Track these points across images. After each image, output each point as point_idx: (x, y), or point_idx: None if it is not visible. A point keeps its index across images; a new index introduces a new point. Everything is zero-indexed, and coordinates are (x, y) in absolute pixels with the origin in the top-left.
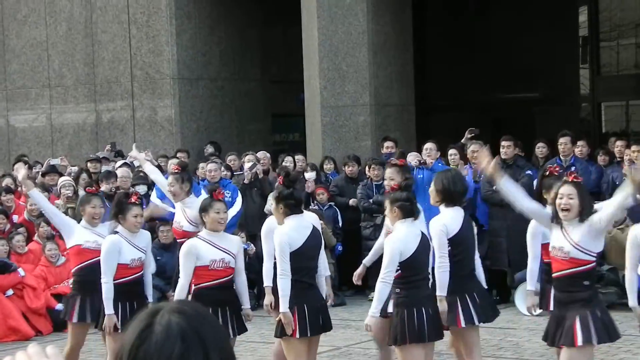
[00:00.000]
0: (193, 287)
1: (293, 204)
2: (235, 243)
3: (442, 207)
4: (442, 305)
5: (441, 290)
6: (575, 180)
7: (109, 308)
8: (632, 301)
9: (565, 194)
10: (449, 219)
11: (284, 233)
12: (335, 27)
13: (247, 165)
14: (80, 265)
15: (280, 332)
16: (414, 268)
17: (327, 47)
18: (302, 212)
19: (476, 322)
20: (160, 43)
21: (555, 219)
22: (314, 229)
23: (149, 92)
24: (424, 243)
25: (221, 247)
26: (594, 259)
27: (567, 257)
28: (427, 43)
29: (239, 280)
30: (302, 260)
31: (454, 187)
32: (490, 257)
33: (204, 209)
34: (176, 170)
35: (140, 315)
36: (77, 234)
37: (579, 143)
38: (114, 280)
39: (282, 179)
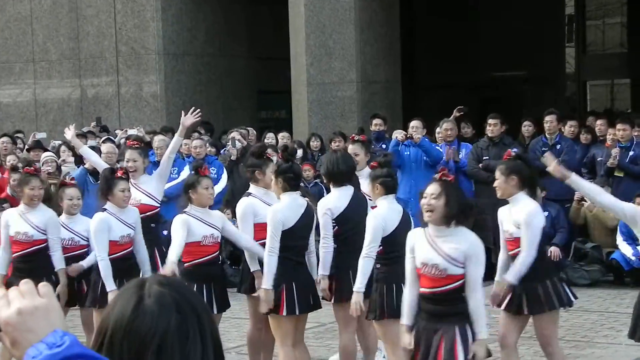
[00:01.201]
0: (183, 265)
1: (292, 177)
2: (219, 217)
3: (331, 187)
4: (323, 283)
5: (323, 270)
6: (443, 178)
7: (109, 285)
8: (498, 276)
9: (429, 193)
10: (334, 199)
11: (278, 210)
12: (322, 3)
13: (230, 143)
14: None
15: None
16: (395, 244)
17: (313, 24)
18: (299, 188)
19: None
20: (146, 18)
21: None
22: (308, 206)
23: (134, 68)
24: (406, 219)
25: (209, 223)
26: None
27: (444, 275)
28: (415, 22)
29: (243, 243)
30: (293, 239)
31: (338, 168)
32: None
33: (191, 186)
34: (137, 145)
35: (124, 289)
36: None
37: (570, 123)
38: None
39: (281, 153)
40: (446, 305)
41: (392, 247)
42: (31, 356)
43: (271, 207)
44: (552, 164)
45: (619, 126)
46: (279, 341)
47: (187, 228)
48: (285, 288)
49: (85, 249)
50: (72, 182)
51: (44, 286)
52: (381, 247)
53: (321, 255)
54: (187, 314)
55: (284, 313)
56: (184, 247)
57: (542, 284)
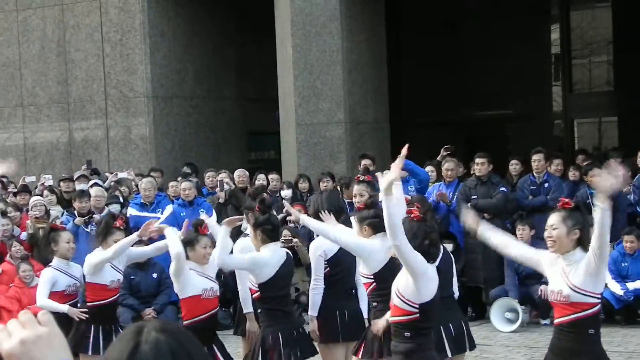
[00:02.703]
0: (183, 323)
1: (270, 229)
2: (213, 267)
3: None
4: (312, 324)
5: (313, 311)
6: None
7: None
8: None
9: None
10: (327, 242)
11: (260, 264)
12: (310, 45)
13: (218, 185)
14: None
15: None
16: (387, 280)
17: (301, 65)
18: (278, 238)
19: (340, 340)
20: (134, 61)
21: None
22: (288, 256)
23: (123, 111)
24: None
25: (208, 276)
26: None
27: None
28: (401, 61)
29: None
30: (275, 289)
31: (322, 209)
32: (465, 274)
33: (189, 243)
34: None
35: (123, 334)
36: None
37: (556, 162)
38: (92, 302)
39: (258, 206)
40: None
41: (385, 284)
42: None
43: (253, 256)
44: (468, 219)
45: (592, 172)
46: None
47: (186, 273)
48: (271, 338)
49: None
50: (63, 226)
51: (44, 314)
52: (374, 284)
53: (311, 296)
54: None
55: None
56: (183, 304)
57: None
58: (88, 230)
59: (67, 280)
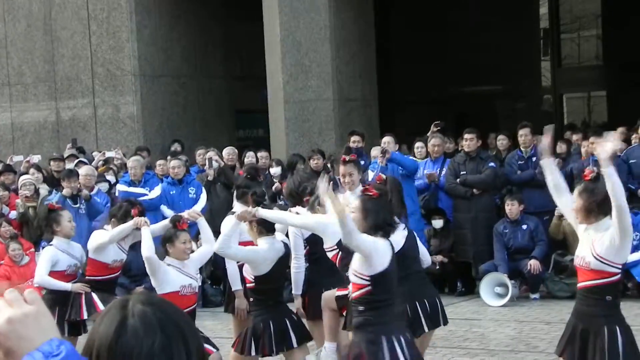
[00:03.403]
0: None
1: (266, 221)
2: (195, 262)
3: (295, 209)
4: (297, 303)
5: (296, 289)
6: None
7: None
8: None
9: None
10: None
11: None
12: (297, 22)
13: (207, 163)
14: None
15: (240, 347)
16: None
17: (289, 43)
18: (274, 231)
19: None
20: (121, 39)
21: None
22: (286, 248)
23: (110, 89)
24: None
25: (187, 273)
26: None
27: None
28: (390, 38)
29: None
30: (270, 283)
31: (298, 189)
32: (455, 249)
33: (168, 239)
34: None
35: (108, 309)
36: None
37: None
38: (91, 276)
39: (250, 197)
40: None
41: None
42: None
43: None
44: (544, 145)
45: (591, 139)
46: None
47: (166, 270)
48: (263, 327)
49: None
50: (60, 205)
51: (31, 293)
52: (339, 253)
53: (293, 275)
54: (172, 334)
55: (253, 353)
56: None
57: None
58: (76, 207)
59: (68, 260)
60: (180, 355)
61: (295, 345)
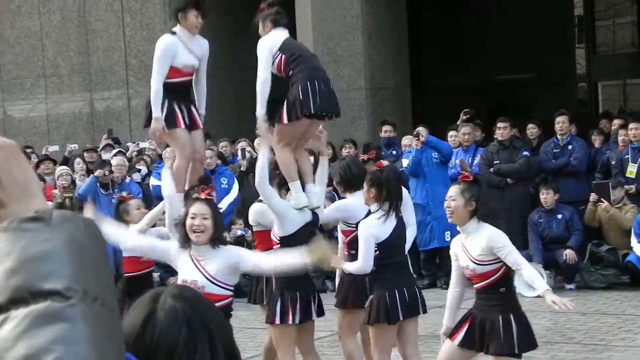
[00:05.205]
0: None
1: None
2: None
3: (347, 195)
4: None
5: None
6: (208, 197)
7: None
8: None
9: (199, 213)
10: (359, 208)
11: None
12: (329, 11)
13: (239, 153)
14: None
15: (270, 318)
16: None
17: (321, 32)
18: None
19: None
20: (155, 30)
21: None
22: (314, 217)
23: (144, 80)
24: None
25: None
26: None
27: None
28: (422, 26)
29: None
30: (294, 245)
31: (351, 173)
32: None
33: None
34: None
35: (140, 300)
36: None
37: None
38: (129, 272)
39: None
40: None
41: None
42: None
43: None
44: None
45: (631, 125)
46: (283, 352)
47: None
48: (289, 298)
49: None
50: (130, 196)
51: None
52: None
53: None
54: (197, 330)
55: (290, 322)
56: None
57: None
58: (107, 193)
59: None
60: (203, 352)
61: (315, 317)
